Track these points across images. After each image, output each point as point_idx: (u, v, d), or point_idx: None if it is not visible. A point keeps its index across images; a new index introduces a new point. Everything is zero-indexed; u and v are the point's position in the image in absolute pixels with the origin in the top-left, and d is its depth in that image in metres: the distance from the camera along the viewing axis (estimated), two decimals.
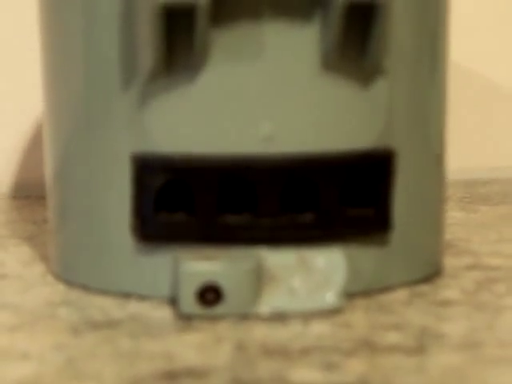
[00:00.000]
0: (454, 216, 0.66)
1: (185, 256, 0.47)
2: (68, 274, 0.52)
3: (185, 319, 0.46)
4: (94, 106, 0.49)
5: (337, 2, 0.45)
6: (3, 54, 0.69)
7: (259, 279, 0.47)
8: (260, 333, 0.44)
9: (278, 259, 0.47)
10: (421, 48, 0.51)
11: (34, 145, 0.71)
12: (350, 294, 0.48)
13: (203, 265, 0.46)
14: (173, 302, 0.48)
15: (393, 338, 0.44)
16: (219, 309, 0.46)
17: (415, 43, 0.50)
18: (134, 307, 0.48)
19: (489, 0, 0.74)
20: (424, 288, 0.51)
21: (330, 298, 0.47)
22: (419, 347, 0.42)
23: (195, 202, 0.47)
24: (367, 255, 0.49)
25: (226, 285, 0.45)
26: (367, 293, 0.49)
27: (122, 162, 0.48)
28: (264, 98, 0.46)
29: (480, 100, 0.76)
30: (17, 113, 0.70)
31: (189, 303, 0.45)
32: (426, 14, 0.51)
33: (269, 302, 0.46)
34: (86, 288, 0.51)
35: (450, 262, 0.55)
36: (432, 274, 0.53)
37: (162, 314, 0.47)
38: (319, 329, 0.45)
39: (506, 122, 0.76)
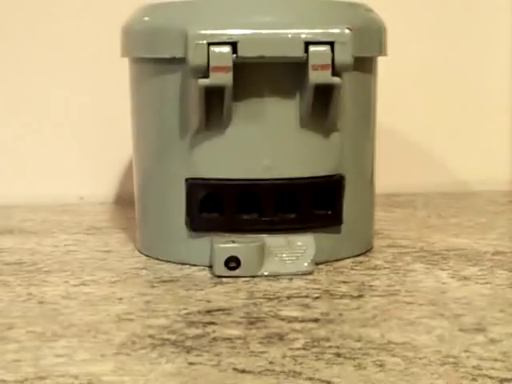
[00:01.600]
0: (380, 215, 0.65)
1: (217, 240, 0.49)
2: (147, 251, 0.53)
3: (217, 278, 0.48)
4: (163, 148, 0.51)
5: (309, 84, 0.47)
6: (116, 118, 0.68)
7: (262, 254, 0.48)
8: (262, 286, 0.46)
9: (274, 241, 0.49)
10: (360, 114, 0.52)
11: (128, 170, 0.72)
12: (317, 263, 0.50)
13: (228, 245, 0.48)
14: (210, 267, 0.49)
15: (343, 289, 0.46)
16: (238, 272, 0.48)
17: (356, 112, 0.51)
18: (186, 270, 0.49)
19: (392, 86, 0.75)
20: (362, 259, 0.52)
21: (305, 265, 0.49)
22: (359, 295, 0.44)
23: (223, 207, 0.49)
24: (327, 239, 0.51)
25: (242, 257, 0.48)
26: (328, 262, 0.51)
27: (180, 183, 0.50)
28: (265, 145, 0.49)
29: (394, 144, 0.76)
30: (118, 151, 0.72)
31: (220, 268, 0.48)
32: (363, 94, 0.52)
33: (268, 268, 0.48)
34: (157, 259, 0.52)
35: (377, 243, 0.56)
36: (367, 250, 0.54)
37: (204, 274, 0.49)
38: (298, 284, 0.47)
39: (406, 158, 0.76)
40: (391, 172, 0.73)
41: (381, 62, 0.54)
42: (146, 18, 0.50)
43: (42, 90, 0.71)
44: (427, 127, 0.75)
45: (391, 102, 0.71)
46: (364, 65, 0.51)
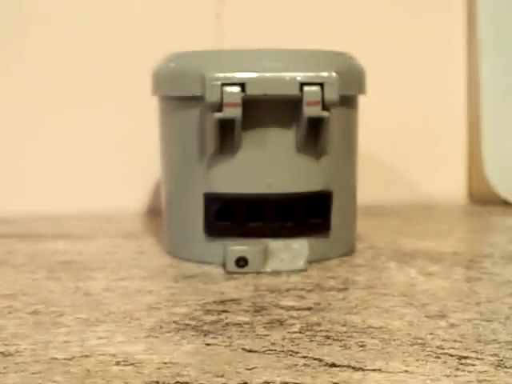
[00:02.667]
0: (361, 222, 0.63)
1: (229, 243, 0.48)
2: (172, 252, 0.53)
3: (229, 274, 0.47)
4: (185, 169, 0.50)
5: (303, 117, 0.47)
6: (148, 145, 0.67)
7: (265, 254, 0.48)
8: (266, 281, 0.46)
9: (275, 244, 0.49)
10: (345, 141, 0.52)
11: (157, 187, 0.72)
12: (310, 262, 0.49)
13: (238, 247, 0.48)
14: (223, 265, 0.49)
15: (331, 283, 0.45)
16: (246, 269, 0.48)
17: (342, 139, 0.51)
18: (204, 268, 0.49)
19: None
20: (346, 258, 0.52)
21: (300, 263, 0.48)
22: (344, 287, 0.44)
23: (234, 217, 0.49)
24: (318, 242, 0.50)
25: (249, 257, 0.48)
26: (318, 261, 0.50)
27: (199, 197, 0.50)
28: (268, 166, 0.49)
29: (372, 166, 0.75)
30: (149, 172, 0.71)
31: (231, 266, 0.48)
32: (347, 125, 0.52)
33: (270, 266, 0.48)
34: (181, 258, 0.52)
35: (358, 245, 0.56)
36: (350, 251, 0.53)
37: (218, 271, 0.48)
38: (295, 279, 0.46)
39: (382, 177, 0.76)
40: (370, 188, 0.73)
41: (361, 99, 0.54)
42: (172, 64, 0.50)
43: (93, 124, 0.70)
44: (399, 153, 0.75)
45: (370, 131, 0.71)
46: (348, 101, 0.51)
